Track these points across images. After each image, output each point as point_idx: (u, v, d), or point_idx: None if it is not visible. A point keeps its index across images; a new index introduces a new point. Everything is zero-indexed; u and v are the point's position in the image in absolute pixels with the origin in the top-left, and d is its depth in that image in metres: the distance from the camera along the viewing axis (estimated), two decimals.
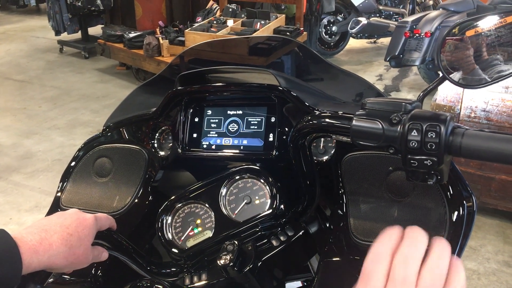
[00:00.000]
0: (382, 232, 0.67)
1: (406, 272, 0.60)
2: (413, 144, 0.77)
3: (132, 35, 6.28)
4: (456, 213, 0.95)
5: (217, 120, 1.27)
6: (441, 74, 0.93)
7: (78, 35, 7.84)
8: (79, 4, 7.15)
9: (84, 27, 7.73)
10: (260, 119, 1.22)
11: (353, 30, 6.56)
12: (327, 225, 1.14)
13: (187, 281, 1.08)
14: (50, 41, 8.41)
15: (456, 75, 0.91)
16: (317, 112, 1.07)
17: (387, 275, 0.62)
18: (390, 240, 0.65)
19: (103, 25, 7.53)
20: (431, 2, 7.56)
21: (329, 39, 7.35)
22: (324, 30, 7.26)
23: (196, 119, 1.28)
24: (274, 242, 1.07)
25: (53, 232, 0.86)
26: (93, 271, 1.19)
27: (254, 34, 5.22)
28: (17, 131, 5.06)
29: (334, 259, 1.10)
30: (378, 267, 0.63)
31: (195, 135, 1.28)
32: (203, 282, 1.06)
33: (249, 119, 1.23)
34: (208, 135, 1.27)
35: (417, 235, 0.64)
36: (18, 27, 9.91)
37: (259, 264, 1.03)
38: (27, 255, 0.80)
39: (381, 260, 0.63)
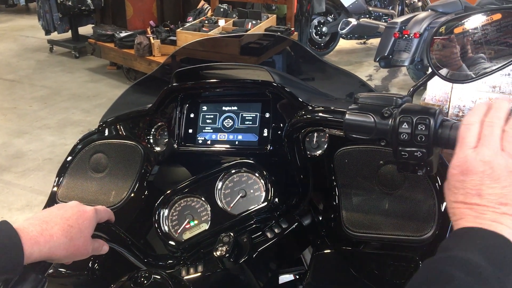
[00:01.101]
0: (472, 107, 0.80)
1: (493, 130, 0.72)
2: (404, 136, 0.81)
3: (123, 34, 6.27)
4: (444, 204, 0.98)
5: (212, 116, 1.29)
6: (430, 71, 0.96)
7: (68, 34, 7.80)
8: (69, 3, 7.12)
9: (75, 27, 7.69)
10: (254, 115, 1.24)
11: (343, 31, 6.61)
12: (320, 218, 1.17)
13: (184, 273, 1.10)
14: (40, 40, 8.36)
15: (444, 71, 0.94)
16: (311, 107, 1.10)
17: (478, 135, 0.73)
18: (479, 110, 0.76)
19: (93, 25, 7.50)
20: (420, 3, 7.64)
21: (320, 39, 7.39)
22: (314, 30, 7.30)
23: (192, 115, 1.31)
24: (269, 234, 1.09)
25: (53, 224, 0.88)
26: (90, 264, 1.20)
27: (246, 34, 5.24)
28: (8, 131, 5.04)
29: (327, 251, 1.13)
30: (470, 130, 0.73)
31: (190, 131, 1.30)
32: (199, 274, 1.08)
33: (244, 115, 1.26)
34: (204, 131, 1.29)
35: (500, 103, 0.75)
36: (7, 27, 9.84)
37: (254, 255, 1.06)
38: (29, 245, 0.81)
39: (472, 125, 0.74)
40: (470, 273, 0.62)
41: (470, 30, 0.89)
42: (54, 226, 0.87)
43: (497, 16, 0.86)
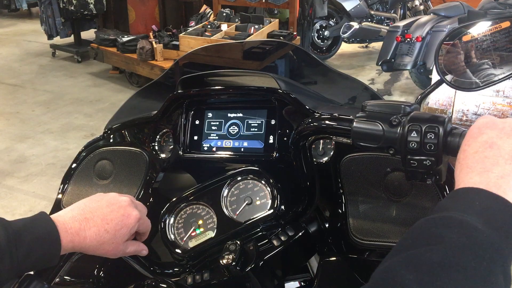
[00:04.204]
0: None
1: None
2: (413, 145, 0.80)
3: (125, 39, 6.28)
4: None
5: (217, 123, 1.28)
6: (438, 78, 0.96)
7: (70, 39, 7.83)
8: (72, 8, 7.14)
9: (77, 31, 7.73)
10: (260, 122, 1.24)
11: (345, 35, 6.63)
12: (326, 225, 1.17)
13: (190, 281, 1.10)
14: (42, 45, 8.39)
15: (449, 77, 0.94)
16: (318, 115, 1.10)
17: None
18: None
19: (96, 29, 7.53)
20: (421, 7, 7.66)
21: (322, 43, 7.40)
22: (316, 34, 7.31)
23: (197, 122, 1.30)
24: (275, 242, 1.08)
25: (92, 224, 0.89)
26: (95, 272, 1.20)
27: (249, 38, 5.25)
28: (10, 135, 5.04)
29: (333, 258, 1.12)
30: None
31: (195, 138, 1.30)
32: (205, 282, 1.08)
33: (250, 122, 1.25)
34: (209, 138, 1.28)
35: None
36: (10, 31, 9.88)
37: (260, 263, 1.05)
38: (64, 242, 0.84)
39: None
40: (463, 234, 0.58)
41: (479, 38, 0.89)
42: (91, 227, 0.88)
43: (506, 24, 0.85)
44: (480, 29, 0.88)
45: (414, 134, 0.80)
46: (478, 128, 0.73)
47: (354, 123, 0.89)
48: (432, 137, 0.79)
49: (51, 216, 0.86)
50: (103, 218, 0.91)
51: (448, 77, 0.94)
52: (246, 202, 1.14)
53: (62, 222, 0.85)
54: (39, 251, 0.80)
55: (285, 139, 1.19)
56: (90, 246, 0.89)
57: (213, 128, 1.29)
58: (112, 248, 0.93)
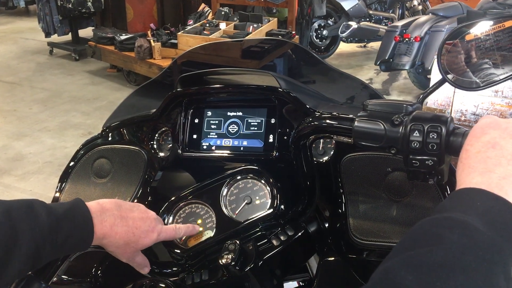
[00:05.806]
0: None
1: None
2: (415, 144, 0.80)
3: (123, 37, 6.27)
4: None
5: (217, 122, 1.28)
6: (436, 77, 0.95)
7: (68, 37, 7.81)
8: (70, 6, 7.12)
9: (75, 29, 7.71)
10: (260, 121, 1.23)
11: (344, 34, 6.63)
12: (326, 225, 1.16)
13: (188, 281, 1.09)
14: (40, 43, 8.37)
15: (449, 77, 0.94)
16: (318, 114, 1.09)
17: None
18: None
19: (93, 27, 7.51)
20: (420, 7, 7.66)
21: (320, 43, 7.40)
22: (315, 34, 7.31)
23: (196, 120, 1.29)
24: (275, 242, 1.08)
25: (124, 224, 0.93)
26: (93, 271, 1.19)
27: (249, 37, 5.24)
28: (7, 133, 5.02)
29: (333, 258, 1.12)
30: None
31: (195, 136, 1.29)
32: (204, 282, 1.07)
33: (249, 121, 1.24)
34: (208, 136, 1.28)
35: None
36: (7, 29, 9.84)
37: (260, 263, 1.04)
38: (98, 233, 0.90)
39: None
40: (464, 235, 0.58)
41: (482, 37, 0.88)
42: (123, 226, 0.93)
43: (510, 23, 0.85)
44: (483, 28, 0.88)
45: (416, 133, 0.80)
46: (481, 128, 0.72)
47: (356, 122, 0.89)
48: (435, 137, 0.78)
49: (88, 204, 0.90)
50: (134, 223, 0.95)
51: (450, 76, 0.93)
52: (246, 201, 1.14)
53: (99, 214, 0.90)
54: (74, 239, 0.86)
55: (285, 138, 1.18)
56: (117, 243, 0.93)
57: (213, 126, 1.28)
58: (130, 252, 0.97)
